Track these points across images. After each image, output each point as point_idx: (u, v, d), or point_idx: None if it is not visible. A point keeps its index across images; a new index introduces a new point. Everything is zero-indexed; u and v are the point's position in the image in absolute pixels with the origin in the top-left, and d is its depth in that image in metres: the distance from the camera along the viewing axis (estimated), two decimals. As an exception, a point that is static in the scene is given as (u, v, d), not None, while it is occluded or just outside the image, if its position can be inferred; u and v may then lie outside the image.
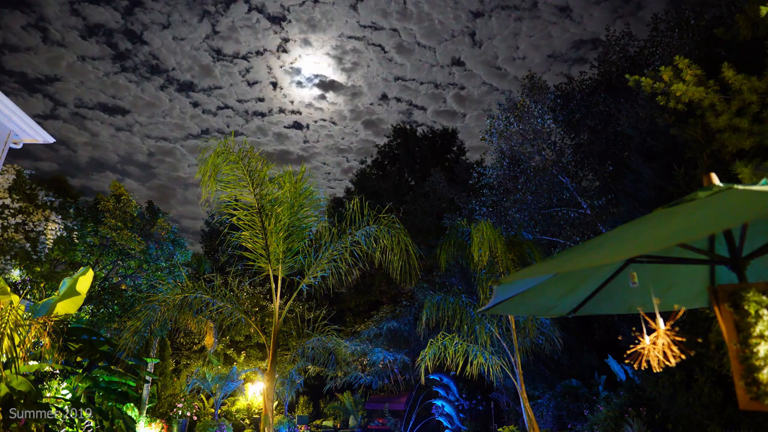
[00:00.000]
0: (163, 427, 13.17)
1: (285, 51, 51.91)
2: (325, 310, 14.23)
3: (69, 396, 7.28)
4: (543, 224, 13.17)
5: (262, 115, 53.73)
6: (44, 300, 6.53)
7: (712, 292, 1.80)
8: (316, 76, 52.88)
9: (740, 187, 1.77)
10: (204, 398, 17.03)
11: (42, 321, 5.50)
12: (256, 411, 17.77)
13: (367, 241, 7.08)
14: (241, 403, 18.01)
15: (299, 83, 52.94)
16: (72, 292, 6.53)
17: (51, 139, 9.53)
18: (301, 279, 7.30)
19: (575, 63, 48.85)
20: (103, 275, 11.32)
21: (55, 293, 6.64)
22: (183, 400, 14.57)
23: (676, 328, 1.99)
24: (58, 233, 10.10)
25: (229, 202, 6.92)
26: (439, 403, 15.58)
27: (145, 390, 12.64)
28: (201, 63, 50.79)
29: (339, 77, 54.82)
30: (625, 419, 8.11)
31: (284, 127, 54.15)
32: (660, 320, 2.00)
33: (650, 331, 2.03)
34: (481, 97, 52.50)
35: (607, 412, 8.62)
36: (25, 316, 5.67)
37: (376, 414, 17.28)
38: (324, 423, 18.59)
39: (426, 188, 22.56)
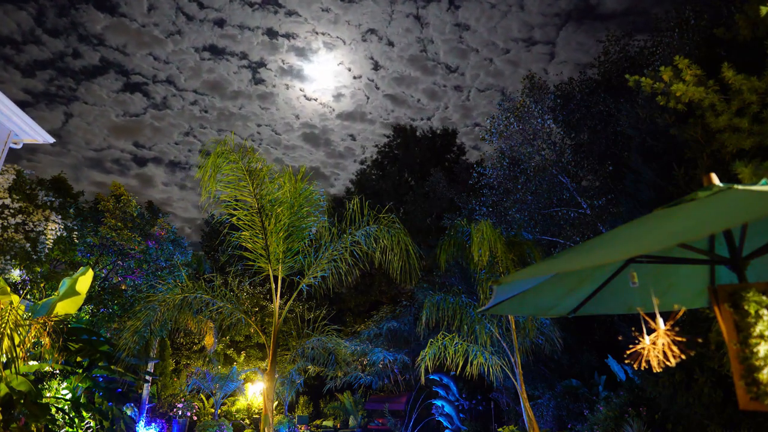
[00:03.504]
0: (163, 427, 13.17)
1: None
2: (325, 310, 14.23)
3: (69, 396, 7.28)
4: (543, 224, 13.17)
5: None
6: (44, 300, 6.52)
7: (712, 292, 1.80)
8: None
9: (740, 187, 1.77)
10: (204, 398, 17.03)
11: (42, 321, 5.50)
12: (256, 411, 17.77)
13: (367, 241, 7.07)
14: (241, 403, 18.00)
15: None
16: (72, 292, 6.53)
17: (51, 139, 9.53)
18: (301, 279, 7.29)
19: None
20: (103, 275, 11.32)
21: (55, 293, 6.63)
22: (183, 400, 14.57)
23: (676, 328, 1.99)
24: (58, 233, 10.10)
25: (229, 202, 6.92)
26: (439, 403, 15.58)
27: (145, 390, 12.64)
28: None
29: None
30: (625, 419, 8.11)
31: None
32: (660, 320, 2.00)
33: (650, 331, 2.03)
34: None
35: (607, 412, 8.62)
36: (25, 316, 5.67)
37: (376, 414, 17.28)
38: (324, 423, 18.59)
39: (426, 188, 22.57)
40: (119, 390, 7.15)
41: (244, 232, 6.99)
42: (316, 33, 50.79)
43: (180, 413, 14.25)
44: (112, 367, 6.74)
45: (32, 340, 5.46)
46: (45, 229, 9.80)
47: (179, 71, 49.08)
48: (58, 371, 7.42)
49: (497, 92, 52.86)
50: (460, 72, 52.74)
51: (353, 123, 54.77)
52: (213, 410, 16.22)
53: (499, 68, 51.81)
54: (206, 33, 48.92)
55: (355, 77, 53.23)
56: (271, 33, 50.15)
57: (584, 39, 49.37)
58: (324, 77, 54.04)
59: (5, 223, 9.22)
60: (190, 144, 50.85)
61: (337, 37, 51.39)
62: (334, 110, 54.03)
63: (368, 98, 53.79)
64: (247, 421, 17.25)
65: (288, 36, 50.64)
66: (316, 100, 54.05)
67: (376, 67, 52.83)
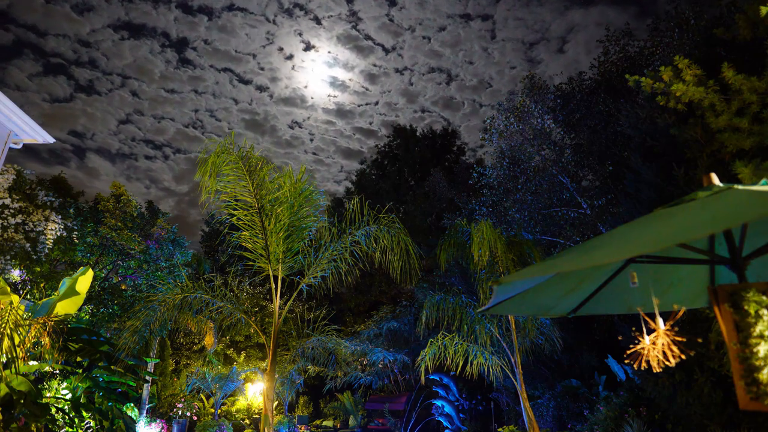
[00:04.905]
0: (163, 427, 13.17)
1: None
2: (325, 310, 14.23)
3: (69, 396, 7.28)
4: (543, 224, 13.17)
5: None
6: (44, 300, 6.52)
7: (712, 292, 1.80)
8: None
9: (740, 187, 1.77)
10: (204, 398, 17.03)
11: (42, 321, 5.50)
12: (256, 411, 17.77)
13: (367, 241, 7.08)
14: (241, 403, 18.01)
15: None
16: (72, 292, 6.53)
17: (51, 139, 9.53)
18: (301, 279, 7.30)
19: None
20: (103, 275, 11.32)
21: (55, 293, 6.64)
22: (183, 400, 14.57)
23: (676, 328, 1.99)
24: (58, 233, 10.10)
25: (229, 202, 6.92)
26: (439, 403, 15.58)
27: (145, 390, 12.64)
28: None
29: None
30: (625, 419, 8.11)
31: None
32: (660, 320, 2.00)
33: (650, 331, 2.03)
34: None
35: (607, 412, 8.62)
36: (25, 316, 5.67)
37: (376, 414, 17.28)
38: (324, 423, 18.60)
39: (426, 188, 22.57)
40: (119, 390, 7.16)
41: (244, 232, 6.99)
42: (235, 9, 47.55)
43: (180, 413, 14.25)
44: (112, 367, 6.74)
45: (32, 340, 5.46)
46: (45, 229, 9.80)
47: (100, 53, 46.70)
48: (58, 371, 7.42)
49: (443, 74, 51.72)
50: (398, 52, 51.37)
51: (294, 108, 52.67)
52: (213, 410, 16.22)
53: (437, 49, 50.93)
54: (117, 9, 45.91)
55: (286, 58, 50.81)
56: (186, 8, 47.54)
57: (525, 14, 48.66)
58: (254, 58, 50.78)
59: (5, 223, 9.22)
60: (130, 132, 48.57)
61: (262, 15, 48.61)
62: (272, 95, 51.61)
63: (308, 82, 51.43)
64: (247, 421, 17.25)
65: (205, 11, 47.67)
66: (250, 82, 51.43)
67: (308, 47, 50.52)
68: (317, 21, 49.92)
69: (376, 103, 53.02)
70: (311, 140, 53.08)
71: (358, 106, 52.78)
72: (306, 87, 52.05)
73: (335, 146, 53.41)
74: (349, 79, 52.26)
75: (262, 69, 51.46)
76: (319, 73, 51.56)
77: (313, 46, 50.92)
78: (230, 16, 48.72)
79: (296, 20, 49.84)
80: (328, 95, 52.37)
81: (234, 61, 50.21)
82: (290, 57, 51.30)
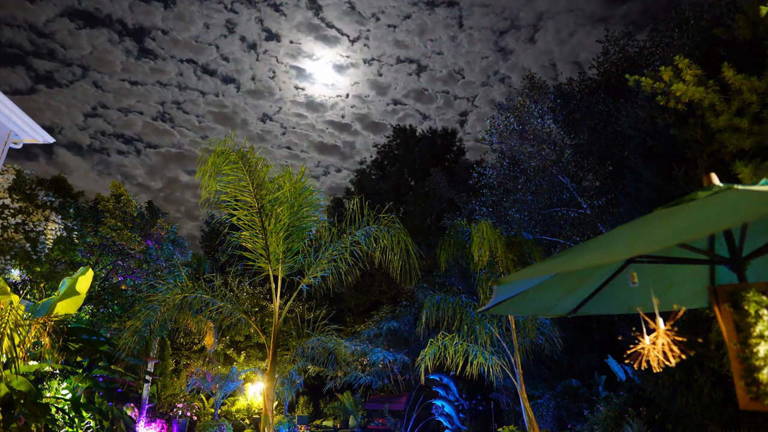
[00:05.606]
0: (163, 427, 13.17)
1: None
2: (325, 310, 14.22)
3: (69, 396, 7.28)
4: (543, 224, 13.17)
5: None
6: (44, 300, 6.52)
7: (712, 292, 1.80)
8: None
9: (740, 187, 1.77)
10: (204, 398, 17.03)
11: (42, 321, 5.50)
12: (256, 411, 17.77)
13: (367, 241, 7.07)
14: (241, 403, 18.01)
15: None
16: (72, 292, 6.53)
17: (51, 139, 9.53)
18: (301, 279, 7.29)
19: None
20: (103, 275, 11.32)
21: (55, 293, 6.64)
22: (183, 400, 14.57)
23: (676, 328, 1.99)
24: (58, 233, 10.10)
25: (229, 202, 6.92)
26: (439, 403, 15.58)
27: (145, 390, 12.64)
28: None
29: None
30: (625, 419, 8.11)
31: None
32: (660, 320, 2.00)
33: (650, 331, 2.03)
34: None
35: (607, 412, 8.62)
36: (25, 316, 5.67)
37: (376, 414, 17.27)
38: (324, 423, 18.60)
39: (426, 188, 22.58)
40: (119, 390, 7.15)
41: (244, 232, 6.99)
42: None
43: (180, 413, 14.25)
44: (112, 367, 6.74)
45: (32, 340, 5.46)
46: (45, 229, 9.80)
47: (58, 43, 45.06)
48: (58, 371, 7.42)
49: (412, 64, 50.07)
50: (364, 42, 49.70)
51: (263, 101, 51.23)
52: (213, 410, 16.22)
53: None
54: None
55: (249, 47, 49.20)
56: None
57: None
58: (216, 49, 49.40)
59: (5, 223, 9.22)
60: (99, 126, 47.10)
61: (219, 3, 46.98)
62: (239, 86, 49.88)
63: (274, 74, 49.98)
64: (247, 421, 17.25)
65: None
66: (215, 73, 49.89)
67: (270, 36, 48.88)
68: (276, 8, 48.55)
69: (347, 96, 51.48)
70: (283, 134, 51.87)
71: (328, 98, 51.38)
72: (273, 78, 50.43)
73: (308, 140, 52.12)
74: (316, 70, 50.74)
75: (226, 59, 49.79)
76: (285, 63, 49.91)
77: (276, 35, 49.23)
78: (187, 4, 47.42)
79: (255, 7, 48.43)
80: (296, 87, 50.77)
81: (195, 51, 48.68)
82: (253, 46, 49.70)
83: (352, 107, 52.28)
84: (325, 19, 49.29)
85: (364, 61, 51.03)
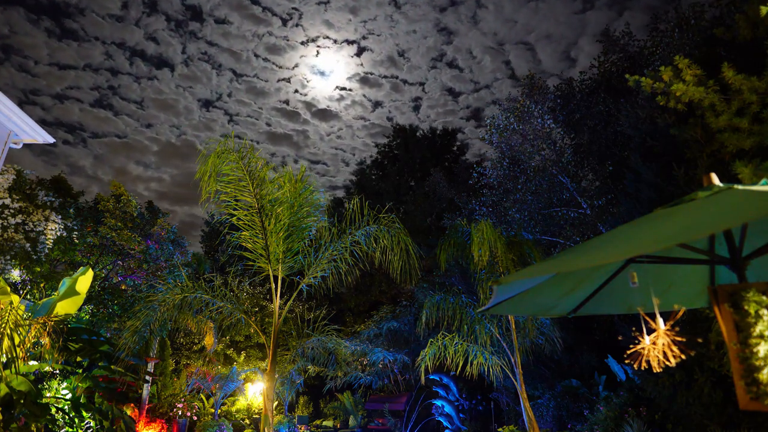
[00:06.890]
0: (162, 427, 13.17)
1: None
2: (325, 310, 14.23)
3: (69, 396, 7.28)
4: (543, 224, 13.17)
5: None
6: (44, 300, 6.52)
7: (712, 292, 1.80)
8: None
9: (740, 187, 1.77)
10: (204, 398, 17.02)
11: (42, 321, 5.50)
12: (256, 411, 17.77)
13: (367, 241, 7.07)
14: (241, 403, 18.00)
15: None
16: (72, 292, 6.52)
17: (51, 139, 9.54)
18: (301, 279, 7.29)
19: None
20: (103, 275, 11.32)
21: (55, 293, 6.63)
22: (183, 400, 14.56)
23: (676, 328, 1.99)
24: (58, 233, 10.09)
25: (229, 202, 6.92)
26: (439, 403, 15.58)
27: (145, 390, 12.64)
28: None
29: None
30: (625, 419, 8.11)
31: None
32: (660, 320, 2.00)
33: (650, 331, 2.03)
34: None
35: (607, 412, 8.62)
36: (25, 316, 5.67)
37: (376, 414, 17.27)
38: (324, 423, 18.59)
39: (426, 188, 22.58)
40: (119, 390, 7.15)
41: (244, 232, 6.99)
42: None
43: (180, 413, 14.24)
44: (112, 367, 6.74)
45: (32, 340, 5.46)
46: (45, 229, 9.79)
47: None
48: (58, 371, 7.42)
49: (352, 46, 47.68)
50: (296, 22, 47.28)
51: (199, 85, 49.12)
52: (213, 410, 16.22)
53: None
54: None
55: (177, 25, 46.58)
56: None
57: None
58: (139, 26, 45.94)
59: (5, 223, 9.21)
60: (35, 114, 44.27)
61: None
62: (173, 69, 46.14)
63: (208, 57, 47.71)
64: (247, 421, 17.25)
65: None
66: (144, 56, 45.80)
67: (194, 14, 45.97)
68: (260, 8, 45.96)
69: (288, 80, 48.46)
70: (229, 122, 49.24)
71: (266, 81, 48.44)
72: (208, 61, 47.41)
73: (256, 130, 49.32)
74: (250, 52, 47.61)
75: (155, 41, 45.99)
76: (217, 45, 46.74)
77: (196, 8, 45.38)
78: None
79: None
80: (231, 69, 47.69)
81: (119, 31, 45.32)
82: (180, 24, 45.99)
83: (295, 92, 49.18)
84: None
85: (301, 43, 47.75)
